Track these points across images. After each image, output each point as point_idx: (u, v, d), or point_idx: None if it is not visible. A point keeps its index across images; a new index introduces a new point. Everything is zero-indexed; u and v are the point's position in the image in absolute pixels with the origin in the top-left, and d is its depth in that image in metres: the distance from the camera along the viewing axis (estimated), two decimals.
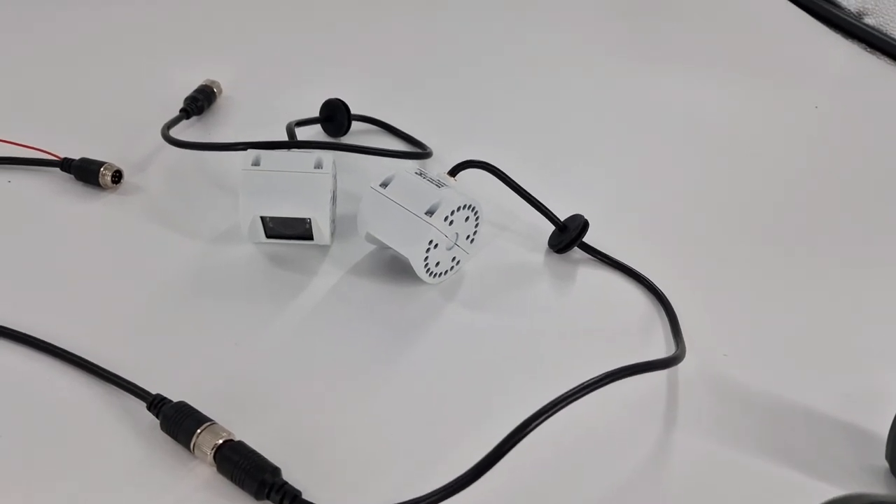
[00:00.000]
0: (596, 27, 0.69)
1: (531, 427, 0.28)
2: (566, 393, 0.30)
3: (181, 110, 0.50)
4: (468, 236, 0.40)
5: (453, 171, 0.41)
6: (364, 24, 0.66)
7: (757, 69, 0.64)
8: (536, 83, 0.60)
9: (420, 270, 0.39)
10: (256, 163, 0.39)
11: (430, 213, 0.38)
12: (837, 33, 0.70)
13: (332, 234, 0.42)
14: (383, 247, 0.41)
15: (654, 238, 0.45)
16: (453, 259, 0.40)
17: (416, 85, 0.58)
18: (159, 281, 0.39)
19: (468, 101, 0.57)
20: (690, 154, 0.53)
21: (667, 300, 0.40)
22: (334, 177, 0.41)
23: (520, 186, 0.42)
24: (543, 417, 0.29)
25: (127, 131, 0.49)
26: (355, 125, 0.51)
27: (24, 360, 0.35)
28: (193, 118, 0.51)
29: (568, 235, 0.42)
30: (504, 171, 0.41)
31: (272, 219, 0.40)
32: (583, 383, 0.30)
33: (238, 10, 0.66)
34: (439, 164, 0.47)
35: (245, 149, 0.41)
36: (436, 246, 0.38)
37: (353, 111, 0.50)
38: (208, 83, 0.52)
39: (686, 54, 0.66)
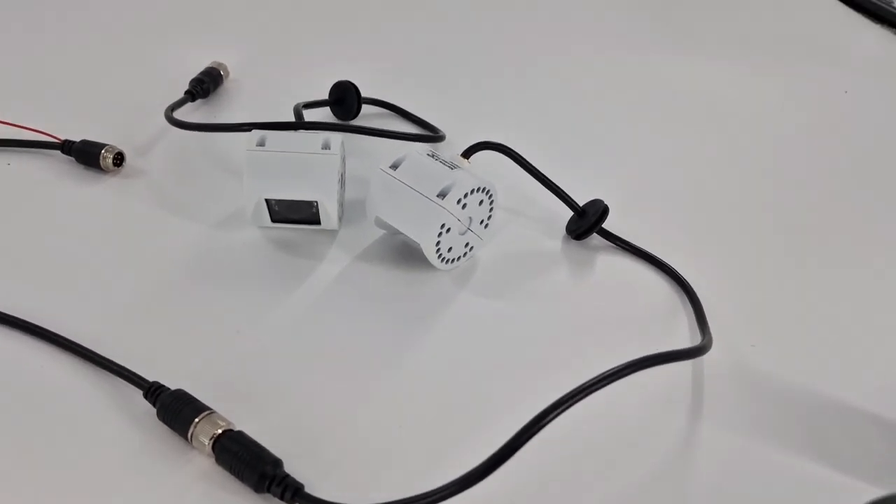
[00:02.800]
0: (617, 9, 0.67)
1: (548, 419, 0.26)
2: (586, 383, 0.28)
3: (186, 93, 0.48)
4: (482, 221, 0.39)
5: (467, 153, 0.39)
6: (376, 8, 0.64)
7: (784, 53, 0.62)
8: (554, 67, 0.58)
9: (431, 256, 0.37)
10: (262, 143, 0.38)
11: (442, 195, 0.36)
12: (866, 17, 0.67)
13: (340, 218, 0.40)
14: (393, 232, 0.40)
15: (677, 225, 0.43)
16: (466, 245, 0.38)
17: (429, 69, 0.56)
18: (160, 266, 0.38)
19: (482, 85, 0.55)
20: (716, 139, 0.51)
21: (691, 289, 0.38)
22: (343, 159, 0.40)
23: (537, 169, 0.40)
24: (562, 409, 0.27)
25: (129, 114, 0.48)
26: (365, 109, 0.49)
27: (20, 346, 0.33)
28: (199, 101, 0.49)
29: (587, 221, 0.40)
30: (520, 154, 0.40)
31: (278, 202, 0.38)
32: (603, 373, 0.28)
33: None
34: (453, 149, 0.46)
35: (250, 129, 0.39)
36: (448, 230, 0.37)
37: (364, 94, 0.48)
38: (215, 65, 0.51)
39: (711, 38, 0.63)
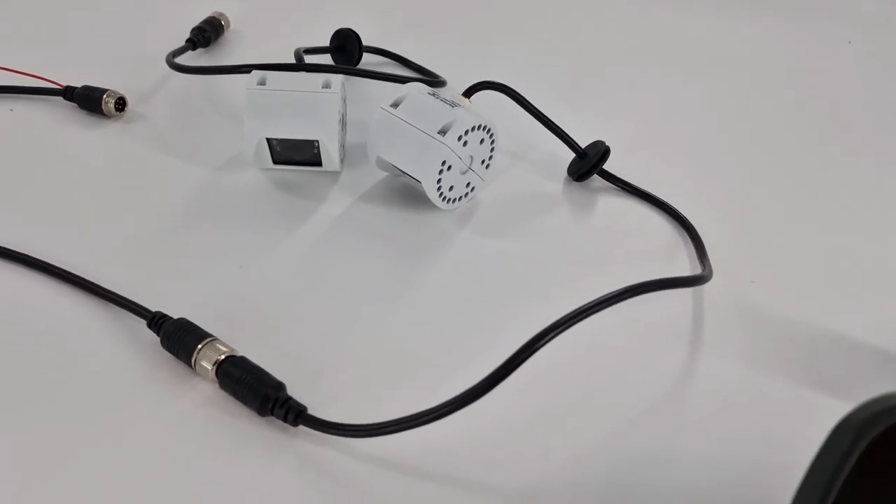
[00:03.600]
0: None
1: (547, 338, 0.26)
2: (585, 305, 0.28)
3: (187, 41, 0.48)
4: (483, 161, 0.39)
5: (468, 93, 0.39)
6: None
7: (788, 3, 0.61)
8: (556, 16, 0.57)
9: (433, 194, 0.37)
10: (262, 83, 0.38)
11: (442, 132, 0.36)
12: None
13: (342, 160, 0.40)
14: (395, 173, 0.40)
15: (677, 167, 0.43)
16: (467, 185, 0.38)
17: (431, 19, 0.56)
18: (163, 206, 0.38)
19: (483, 36, 0.55)
20: (717, 86, 0.51)
21: (691, 226, 0.38)
22: (343, 99, 0.40)
23: (538, 110, 0.40)
24: (560, 329, 0.27)
25: (130, 61, 0.48)
26: (366, 57, 0.49)
27: (24, 281, 0.33)
28: (200, 50, 0.49)
29: (588, 162, 0.40)
30: (522, 95, 0.40)
31: (279, 142, 0.38)
32: (603, 296, 0.28)
33: None
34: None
35: (250, 71, 0.39)
36: (449, 168, 0.37)
37: (365, 44, 0.48)
38: (216, 15, 0.51)
39: None
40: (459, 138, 0.36)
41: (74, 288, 0.33)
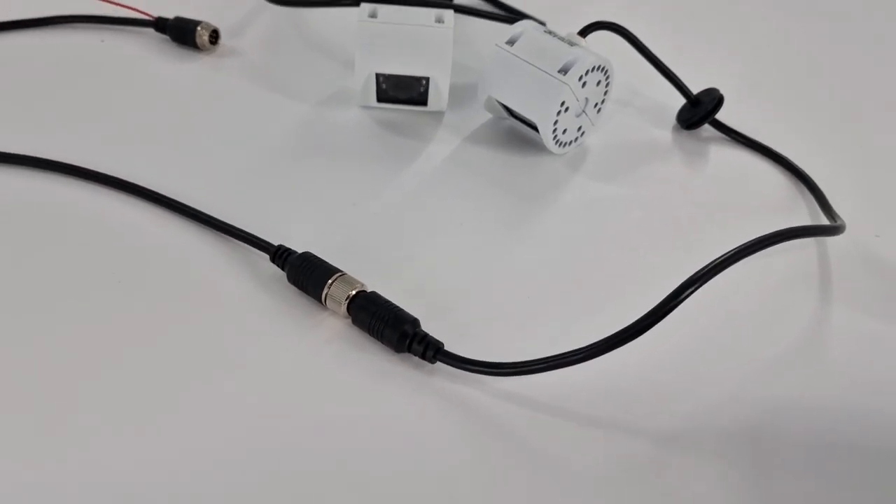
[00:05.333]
0: None
1: (696, 285, 0.26)
2: (723, 256, 0.27)
3: None
4: (596, 104, 0.37)
5: (583, 32, 0.37)
6: None
7: None
8: None
9: (547, 135, 0.36)
10: (373, 15, 0.36)
11: (563, 71, 0.35)
12: None
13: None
14: (501, 115, 0.39)
15: (792, 117, 0.41)
16: (579, 129, 0.37)
17: None
18: (266, 142, 0.37)
19: None
20: (838, 28, 0.49)
21: (810, 179, 0.37)
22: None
23: (652, 53, 0.38)
24: (707, 276, 0.26)
25: None
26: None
27: (142, 214, 0.33)
28: None
29: (701, 110, 0.39)
30: (637, 37, 0.38)
31: (386, 78, 0.37)
32: (743, 244, 0.27)
33: None
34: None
35: (354, 4, 0.38)
36: (566, 109, 0.35)
37: None
38: None
39: None
40: (580, 78, 0.35)
41: (191, 221, 0.32)
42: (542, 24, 0.44)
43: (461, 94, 0.40)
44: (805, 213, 0.36)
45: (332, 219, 0.33)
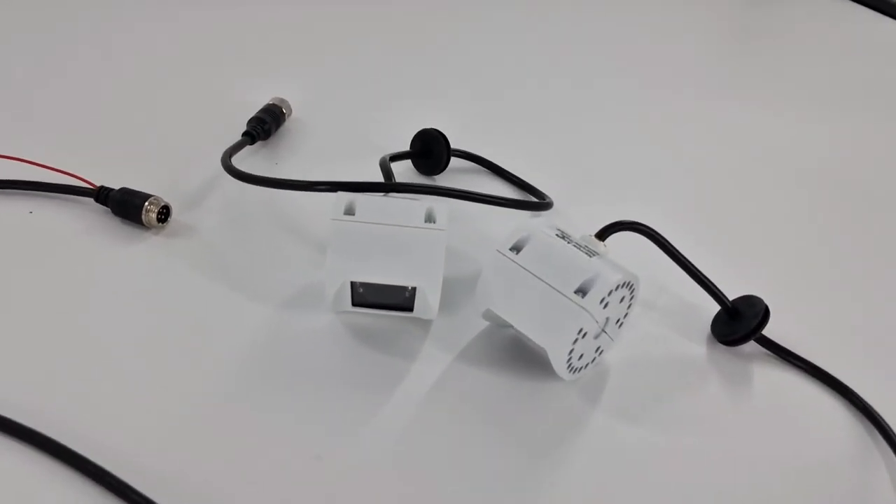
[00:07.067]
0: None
1: None
2: None
3: (244, 134, 0.41)
4: (618, 320, 0.31)
5: (602, 235, 0.31)
6: (458, 43, 0.57)
7: None
8: (673, 128, 0.50)
9: (560, 366, 0.29)
10: (350, 211, 0.30)
11: (581, 292, 0.28)
12: None
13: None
14: (502, 325, 0.32)
15: (851, 331, 0.35)
16: (597, 350, 0.31)
17: (523, 116, 0.49)
18: (213, 359, 0.30)
19: (588, 139, 0.47)
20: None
21: (883, 420, 0.30)
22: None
23: (685, 258, 0.32)
24: None
25: (178, 158, 0.40)
26: (453, 162, 0.42)
27: (21, 461, 0.25)
28: (258, 143, 0.42)
29: (745, 325, 0.32)
30: (664, 237, 0.32)
31: (365, 284, 0.31)
32: None
33: (315, 20, 0.57)
34: (560, 219, 0.38)
35: (327, 189, 0.32)
36: (584, 335, 0.29)
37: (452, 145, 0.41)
38: (276, 102, 0.43)
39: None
40: (602, 300, 0.28)
41: (89, 481, 0.25)
42: (549, 203, 0.38)
43: (455, 290, 0.33)
44: (881, 467, 0.29)
45: (289, 482, 0.26)
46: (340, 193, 0.31)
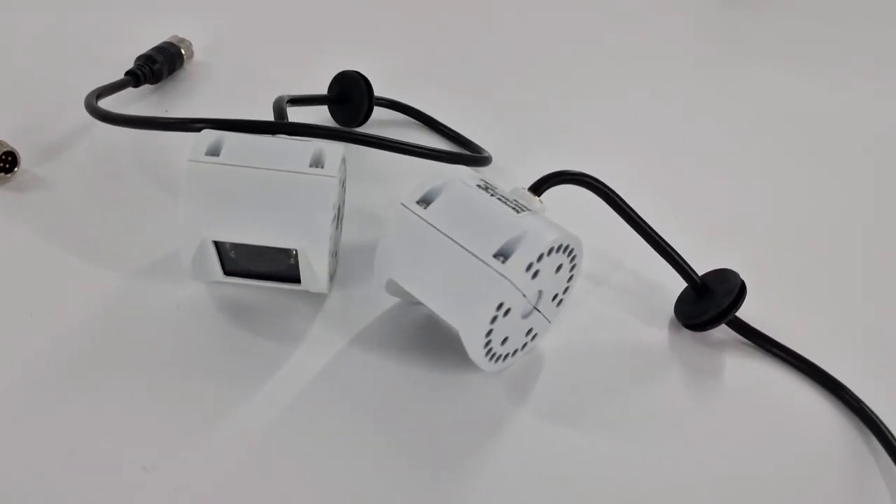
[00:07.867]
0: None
1: None
2: None
3: (127, 73, 0.34)
4: (555, 296, 0.25)
5: (537, 188, 0.25)
6: None
7: None
8: (638, 76, 0.44)
9: (477, 353, 0.23)
10: (214, 151, 0.24)
11: (502, 255, 0.22)
12: None
13: (332, 275, 0.26)
14: (412, 301, 0.26)
15: (840, 317, 0.28)
16: (528, 333, 0.24)
17: (466, 65, 0.42)
18: (44, 338, 0.24)
19: (535, 94, 0.41)
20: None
21: (873, 418, 0.24)
22: (342, 183, 0.26)
23: (645, 223, 0.26)
24: None
25: (45, 101, 0.34)
26: (378, 112, 0.35)
27: None
28: (146, 86, 0.35)
29: (714, 304, 0.26)
30: (620, 196, 0.26)
31: (235, 246, 0.24)
32: None
33: None
34: (503, 178, 0.32)
35: (201, 128, 0.25)
36: (507, 312, 0.22)
37: (377, 93, 0.35)
38: (173, 41, 0.37)
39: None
40: (529, 267, 0.22)
41: None
42: (487, 158, 0.32)
43: (360, 260, 0.27)
44: (877, 476, 0.23)
45: (104, 494, 0.20)
46: (206, 131, 0.24)
